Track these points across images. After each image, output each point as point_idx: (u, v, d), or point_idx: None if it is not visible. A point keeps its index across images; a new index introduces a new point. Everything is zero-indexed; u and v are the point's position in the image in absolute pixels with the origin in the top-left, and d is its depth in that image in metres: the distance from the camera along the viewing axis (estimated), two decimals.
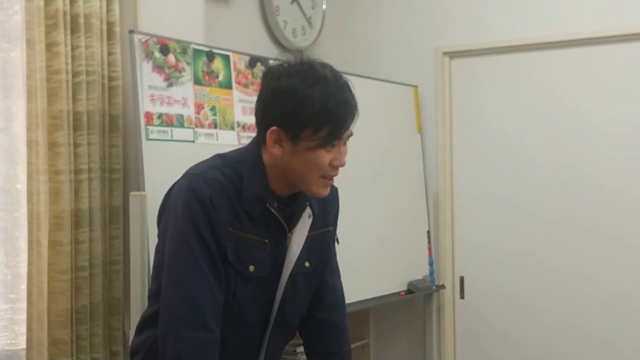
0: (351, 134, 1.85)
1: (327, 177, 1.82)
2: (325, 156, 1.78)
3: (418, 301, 4.14)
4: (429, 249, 4.07)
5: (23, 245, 2.66)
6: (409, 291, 3.86)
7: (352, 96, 1.81)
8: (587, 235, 3.79)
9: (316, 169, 1.79)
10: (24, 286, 2.64)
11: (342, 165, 1.83)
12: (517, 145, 3.97)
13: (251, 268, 1.84)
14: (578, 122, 3.82)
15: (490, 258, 4.04)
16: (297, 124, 1.75)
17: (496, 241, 4.02)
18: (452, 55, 4.12)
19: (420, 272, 3.98)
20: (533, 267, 3.93)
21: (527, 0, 3.92)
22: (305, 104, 1.74)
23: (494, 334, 4.04)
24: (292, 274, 1.90)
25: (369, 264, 3.60)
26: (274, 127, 1.78)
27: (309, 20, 4.05)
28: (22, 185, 2.65)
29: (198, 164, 1.89)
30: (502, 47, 3.97)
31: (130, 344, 2.05)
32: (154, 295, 1.90)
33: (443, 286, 4.08)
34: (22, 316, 2.64)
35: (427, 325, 4.13)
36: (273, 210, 1.84)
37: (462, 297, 4.11)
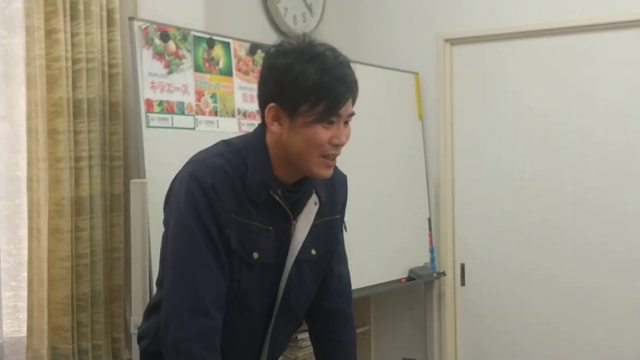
0: (352, 114, 1.81)
1: (328, 157, 1.79)
2: (323, 133, 1.75)
3: (419, 288, 4.15)
4: (430, 236, 4.08)
5: (24, 232, 2.66)
6: (409, 278, 3.87)
7: (351, 72, 1.78)
8: (591, 219, 3.78)
9: (315, 147, 1.76)
10: (26, 274, 2.65)
11: (342, 144, 1.79)
12: (518, 133, 3.96)
13: (255, 255, 1.82)
14: (580, 108, 3.80)
15: (491, 245, 4.04)
16: (293, 98, 1.73)
17: (497, 229, 4.02)
18: (454, 42, 4.11)
19: (421, 259, 3.99)
20: (534, 255, 3.93)
21: None
22: (301, 78, 1.72)
23: (495, 321, 4.04)
24: (298, 262, 1.89)
25: (370, 251, 3.61)
26: (271, 104, 1.76)
27: (309, 7, 4.04)
28: (23, 173, 2.66)
29: (202, 151, 1.86)
30: (504, 34, 3.96)
31: (137, 329, 2.06)
32: (162, 282, 1.89)
33: (444, 273, 4.08)
34: (25, 303, 2.65)
35: (428, 312, 4.14)
36: (277, 198, 1.82)
37: (462, 284, 4.12)
